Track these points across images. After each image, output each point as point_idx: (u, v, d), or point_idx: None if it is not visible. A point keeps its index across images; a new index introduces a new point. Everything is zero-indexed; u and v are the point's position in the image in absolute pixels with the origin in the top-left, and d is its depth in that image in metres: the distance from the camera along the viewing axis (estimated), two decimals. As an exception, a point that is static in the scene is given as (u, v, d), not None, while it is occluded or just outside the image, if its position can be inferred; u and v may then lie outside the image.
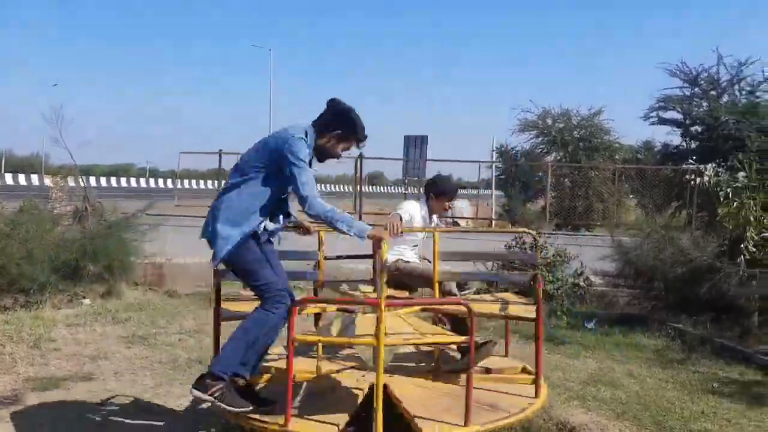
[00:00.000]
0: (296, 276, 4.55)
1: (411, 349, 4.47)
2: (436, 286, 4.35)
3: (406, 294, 4.64)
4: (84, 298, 8.09)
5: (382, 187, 68.58)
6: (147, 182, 58.99)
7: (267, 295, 3.36)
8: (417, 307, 3.97)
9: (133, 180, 58.66)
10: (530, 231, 6.00)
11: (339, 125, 3.50)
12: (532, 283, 4.44)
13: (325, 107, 3.57)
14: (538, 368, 3.81)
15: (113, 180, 53.64)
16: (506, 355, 4.64)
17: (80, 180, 9.91)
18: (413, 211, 4.88)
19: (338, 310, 4.06)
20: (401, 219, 4.48)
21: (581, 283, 8.88)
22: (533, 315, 3.83)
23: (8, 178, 43.49)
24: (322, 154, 3.54)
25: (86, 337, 6.38)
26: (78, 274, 8.30)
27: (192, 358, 5.75)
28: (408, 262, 4.80)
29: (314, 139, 3.47)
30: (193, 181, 54.86)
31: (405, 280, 4.70)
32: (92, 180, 40.91)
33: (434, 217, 5.07)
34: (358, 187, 20.22)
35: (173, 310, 7.74)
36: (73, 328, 6.71)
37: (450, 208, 5.28)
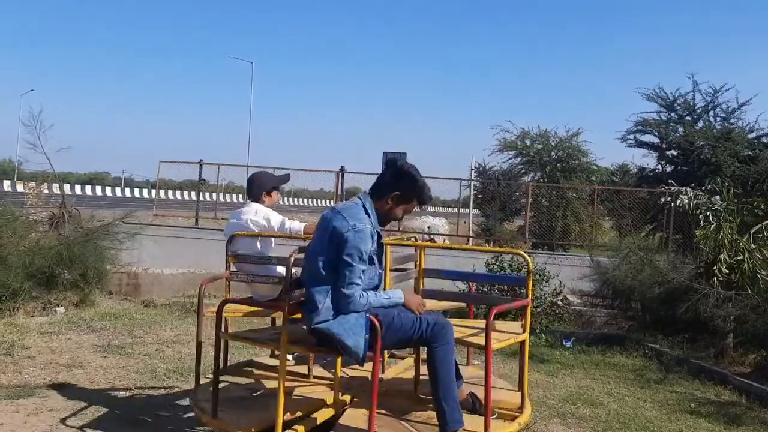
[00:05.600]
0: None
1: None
2: None
3: None
4: (58, 305, 7.95)
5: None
6: (123, 191, 58.31)
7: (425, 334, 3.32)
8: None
9: (108, 189, 57.95)
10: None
11: (396, 186, 3.38)
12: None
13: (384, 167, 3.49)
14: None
15: (88, 188, 52.86)
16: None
17: (59, 186, 9.77)
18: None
19: None
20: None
21: (560, 302, 8.94)
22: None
23: (-20, 184, 42.69)
24: (381, 217, 3.41)
25: (61, 346, 6.25)
26: (52, 281, 8.17)
27: (170, 368, 5.65)
28: None
29: (371, 205, 3.38)
30: (170, 192, 54.28)
31: None
32: (67, 188, 40.20)
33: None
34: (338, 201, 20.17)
35: (150, 320, 7.63)
36: (47, 336, 6.58)
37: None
